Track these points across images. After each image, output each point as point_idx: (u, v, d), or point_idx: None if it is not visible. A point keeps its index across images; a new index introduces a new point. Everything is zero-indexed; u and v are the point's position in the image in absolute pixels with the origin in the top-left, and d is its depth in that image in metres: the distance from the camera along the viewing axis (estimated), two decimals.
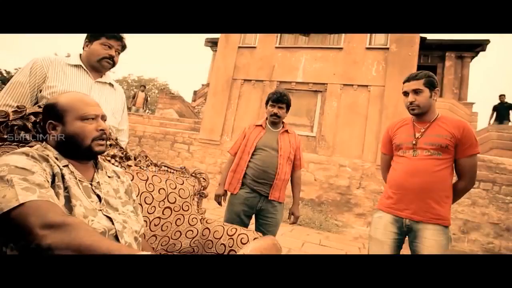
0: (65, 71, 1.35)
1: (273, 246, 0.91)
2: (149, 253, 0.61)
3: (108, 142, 1.22)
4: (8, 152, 0.83)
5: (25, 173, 0.69)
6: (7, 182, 0.65)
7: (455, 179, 1.49)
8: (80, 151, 0.85)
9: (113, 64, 1.44)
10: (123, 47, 1.46)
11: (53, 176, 0.76)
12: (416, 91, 1.47)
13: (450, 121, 1.46)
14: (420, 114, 1.50)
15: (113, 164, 1.22)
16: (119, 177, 1.00)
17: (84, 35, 1.43)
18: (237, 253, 1.29)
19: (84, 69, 1.40)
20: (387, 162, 1.69)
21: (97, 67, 1.41)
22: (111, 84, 1.51)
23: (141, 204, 1.24)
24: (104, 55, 1.39)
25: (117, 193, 0.94)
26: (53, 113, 0.85)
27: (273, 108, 1.98)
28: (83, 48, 1.43)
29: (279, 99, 1.97)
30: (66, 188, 0.77)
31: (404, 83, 1.54)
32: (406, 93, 1.52)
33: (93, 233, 0.64)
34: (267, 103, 2.03)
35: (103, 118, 0.90)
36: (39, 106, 0.99)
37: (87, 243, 0.60)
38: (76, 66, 1.38)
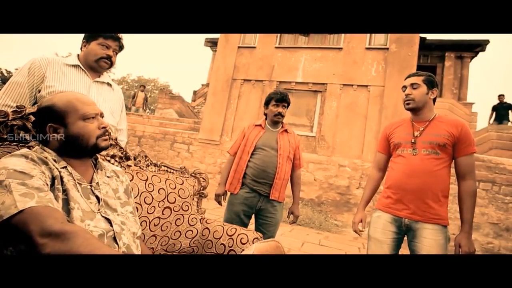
0: (63, 71, 1.35)
1: (276, 248, 0.90)
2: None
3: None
4: (8, 152, 0.83)
5: (24, 177, 0.68)
6: (5, 188, 0.65)
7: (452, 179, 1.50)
8: (85, 150, 0.85)
9: (111, 64, 1.44)
10: (121, 47, 1.46)
11: (53, 179, 0.76)
12: (413, 85, 1.50)
13: (448, 120, 1.47)
14: (415, 110, 1.52)
15: (112, 164, 1.22)
16: (118, 177, 1.00)
17: (83, 35, 1.43)
18: (238, 254, 1.29)
19: (82, 69, 1.40)
20: (380, 161, 1.70)
21: (95, 67, 1.41)
22: (109, 84, 1.51)
23: (140, 204, 1.24)
24: (101, 55, 1.39)
25: (116, 193, 0.94)
26: (52, 116, 0.83)
27: (277, 107, 1.99)
28: (81, 49, 1.44)
29: (283, 99, 1.98)
30: (64, 191, 0.77)
31: (405, 80, 1.58)
32: (404, 88, 1.56)
33: (91, 241, 0.64)
34: (267, 103, 2.03)
35: (101, 115, 0.91)
36: None
37: (85, 252, 0.60)
38: (74, 66, 1.39)
